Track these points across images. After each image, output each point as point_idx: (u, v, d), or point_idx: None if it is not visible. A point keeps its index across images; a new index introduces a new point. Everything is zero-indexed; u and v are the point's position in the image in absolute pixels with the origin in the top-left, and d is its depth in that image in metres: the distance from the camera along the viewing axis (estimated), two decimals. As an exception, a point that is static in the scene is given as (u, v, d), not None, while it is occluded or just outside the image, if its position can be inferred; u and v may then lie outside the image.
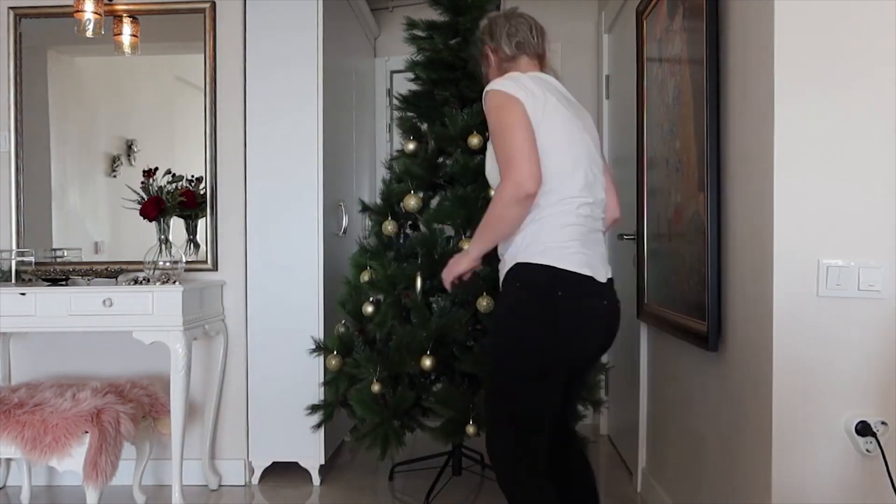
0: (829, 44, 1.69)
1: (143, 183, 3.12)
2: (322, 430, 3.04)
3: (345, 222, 3.47)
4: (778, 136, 1.70)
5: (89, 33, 3.03)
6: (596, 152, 1.94)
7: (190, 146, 3.20)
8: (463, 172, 2.73)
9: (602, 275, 1.85)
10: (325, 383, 2.97)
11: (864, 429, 1.66)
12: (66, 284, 2.89)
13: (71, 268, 3.04)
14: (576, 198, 1.82)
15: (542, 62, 2.00)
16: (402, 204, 2.77)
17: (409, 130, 2.90)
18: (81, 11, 3.01)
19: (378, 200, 2.93)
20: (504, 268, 1.87)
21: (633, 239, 2.96)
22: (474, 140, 2.71)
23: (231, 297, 3.19)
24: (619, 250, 3.30)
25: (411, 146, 2.85)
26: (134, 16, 3.18)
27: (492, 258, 1.97)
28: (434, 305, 2.71)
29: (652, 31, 2.70)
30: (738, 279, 1.95)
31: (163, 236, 3.09)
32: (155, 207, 3.07)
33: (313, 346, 2.97)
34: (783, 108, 1.70)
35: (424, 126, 2.89)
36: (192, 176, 3.18)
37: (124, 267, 3.05)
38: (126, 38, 3.18)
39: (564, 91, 1.98)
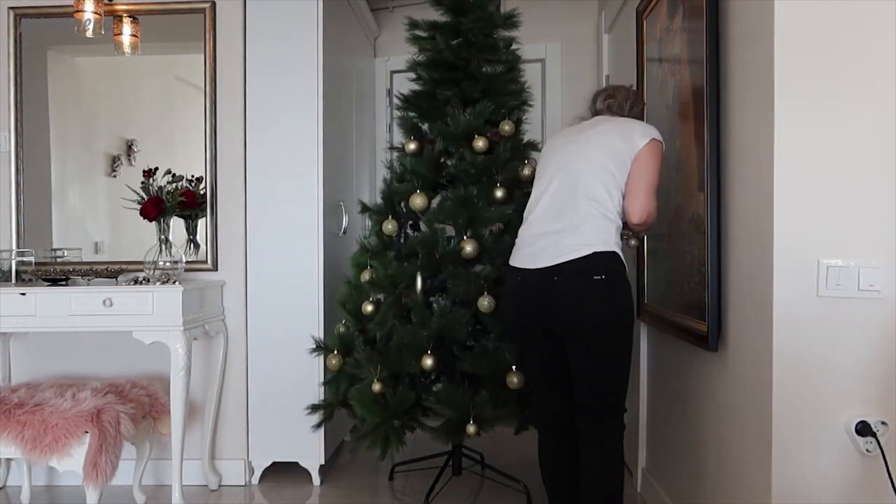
0: (829, 44, 1.69)
1: (143, 183, 3.12)
2: (322, 429, 3.04)
3: (345, 222, 3.47)
4: (778, 136, 1.70)
5: (89, 33, 3.03)
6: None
7: (190, 146, 3.20)
8: (466, 173, 2.73)
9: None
10: (326, 383, 2.97)
11: (864, 429, 1.66)
12: (66, 284, 2.89)
13: (71, 268, 3.04)
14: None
15: None
16: (408, 203, 2.76)
17: (410, 130, 2.90)
18: (81, 11, 3.01)
19: (379, 200, 2.93)
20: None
21: (633, 239, 2.96)
22: (479, 143, 2.71)
23: (231, 297, 3.19)
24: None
25: (412, 146, 2.84)
26: (134, 16, 3.18)
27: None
28: (434, 305, 2.71)
29: (652, 31, 2.70)
30: (738, 279, 1.95)
31: (163, 236, 3.09)
32: (155, 207, 3.07)
33: (313, 346, 2.97)
34: (783, 108, 1.70)
35: (425, 126, 2.89)
36: (192, 176, 3.18)
37: (124, 267, 3.05)
38: (126, 38, 3.18)
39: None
